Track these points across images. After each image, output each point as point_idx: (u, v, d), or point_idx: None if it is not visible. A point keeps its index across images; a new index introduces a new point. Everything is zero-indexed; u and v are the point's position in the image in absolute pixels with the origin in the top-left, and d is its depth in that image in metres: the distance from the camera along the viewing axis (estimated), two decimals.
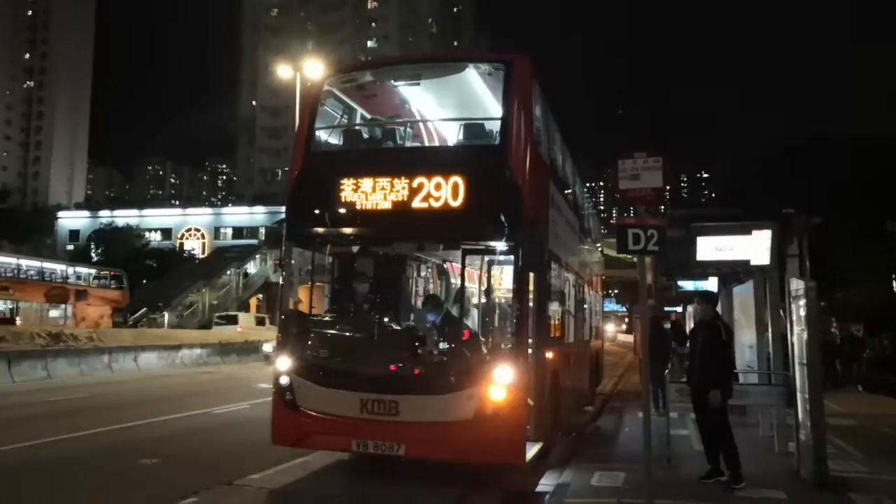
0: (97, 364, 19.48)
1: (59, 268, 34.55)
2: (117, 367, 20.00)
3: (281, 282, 7.95)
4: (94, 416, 11.11)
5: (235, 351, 26.20)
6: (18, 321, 28.93)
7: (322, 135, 7.95)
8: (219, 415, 11.84)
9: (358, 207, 6.82)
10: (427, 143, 8.55)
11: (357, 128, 8.37)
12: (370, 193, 6.79)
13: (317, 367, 7.00)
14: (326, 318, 8.11)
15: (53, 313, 34.37)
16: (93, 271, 36.92)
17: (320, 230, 7.26)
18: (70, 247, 69.23)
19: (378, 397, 6.52)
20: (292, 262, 7.75)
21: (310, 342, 7.36)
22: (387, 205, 6.72)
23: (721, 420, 6.87)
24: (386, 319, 7.68)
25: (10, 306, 31.12)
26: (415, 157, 7.70)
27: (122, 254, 51.37)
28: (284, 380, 6.98)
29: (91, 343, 20.68)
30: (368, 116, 8.79)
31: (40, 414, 11.52)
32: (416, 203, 6.61)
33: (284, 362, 7.05)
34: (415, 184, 6.64)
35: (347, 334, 7.56)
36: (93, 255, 56.68)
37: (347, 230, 7.24)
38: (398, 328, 7.76)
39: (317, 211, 7.13)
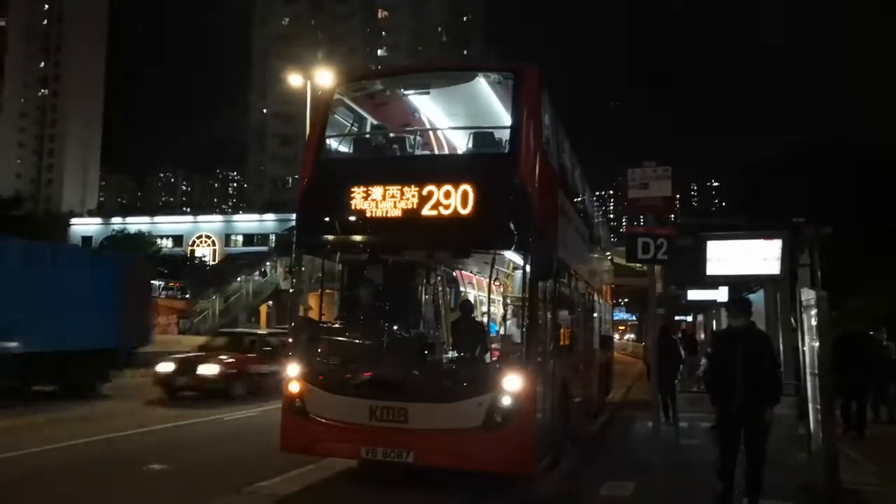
0: None
1: None
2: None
3: (291, 289, 7.97)
4: (100, 423, 11.13)
5: None
6: None
7: (332, 143, 7.99)
8: (228, 421, 11.87)
9: (368, 215, 6.85)
10: (437, 152, 8.58)
11: (367, 136, 8.41)
12: (380, 201, 6.81)
13: (326, 373, 7.02)
14: (336, 326, 8.14)
15: None
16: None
17: (330, 237, 7.29)
18: None
19: (387, 404, 6.53)
20: (303, 269, 7.78)
21: (319, 349, 7.38)
22: (396, 213, 6.74)
23: (765, 440, 6.23)
24: (395, 327, 7.68)
25: None
26: (424, 166, 7.74)
27: None
28: (294, 386, 7.00)
29: None
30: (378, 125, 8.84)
31: (46, 422, 11.54)
32: (426, 211, 6.63)
33: (294, 369, 7.07)
34: (424, 192, 6.65)
35: (357, 341, 7.57)
36: None
37: (357, 237, 7.26)
38: (407, 335, 7.76)
39: (327, 218, 7.16)
